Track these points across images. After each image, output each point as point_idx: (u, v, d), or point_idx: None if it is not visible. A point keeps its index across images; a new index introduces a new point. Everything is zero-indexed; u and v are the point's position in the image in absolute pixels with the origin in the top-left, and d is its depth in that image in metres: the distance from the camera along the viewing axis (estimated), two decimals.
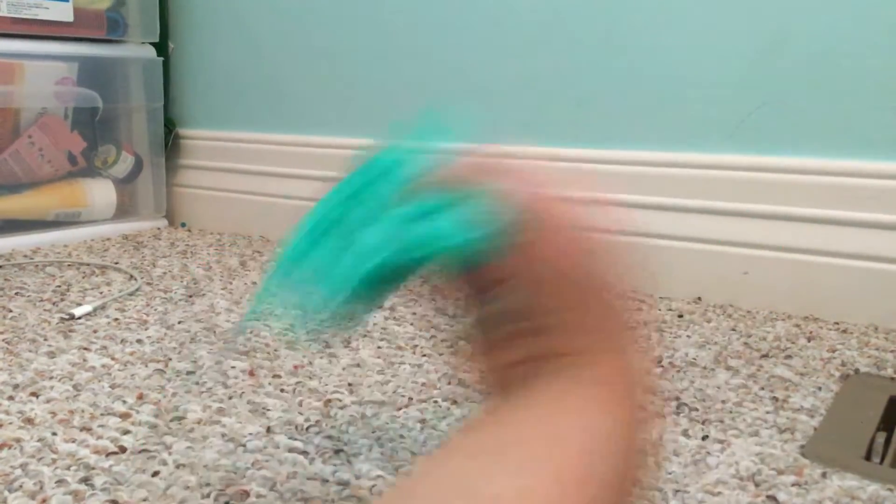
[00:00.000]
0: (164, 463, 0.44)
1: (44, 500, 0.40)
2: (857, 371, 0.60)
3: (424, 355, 0.63)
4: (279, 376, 0.58)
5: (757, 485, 0.42)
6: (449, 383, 0.57)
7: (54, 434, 0.48)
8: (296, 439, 0.47)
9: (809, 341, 0.67)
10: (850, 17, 0.72)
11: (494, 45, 0.92)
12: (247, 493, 0.41)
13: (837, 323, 0.73)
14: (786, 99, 0.76)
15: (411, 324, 0.71)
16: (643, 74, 0.83)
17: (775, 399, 0.54)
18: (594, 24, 0.85)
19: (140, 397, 0.53)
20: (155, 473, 0.43)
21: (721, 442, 0.47)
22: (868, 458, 0.46)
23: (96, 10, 1.10)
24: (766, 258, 0.77)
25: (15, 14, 1.02)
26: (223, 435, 0.48)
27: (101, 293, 0.81)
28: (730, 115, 0.78)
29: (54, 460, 0.44)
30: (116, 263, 0.95)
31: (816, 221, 0.74)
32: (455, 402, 0.53)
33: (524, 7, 0.89)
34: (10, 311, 0.74)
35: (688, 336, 0.68)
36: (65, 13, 1.06)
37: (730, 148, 0.79)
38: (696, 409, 0.52)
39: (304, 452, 0.45)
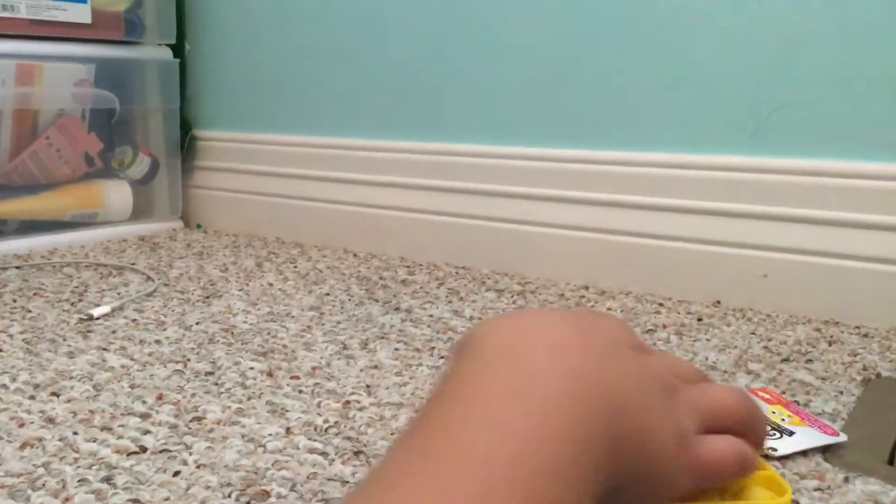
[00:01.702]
0: (185, 463, 0.44)
1: (67, 499, 0.40)
2: (878, 375, 0.60)
3: (442, 357, 0.63)
4: (297, 377, 0.58)
5: None
6: None
7: (75, 433, 0.48)
8: (315, 440, 0.47)
9: (830, 345, 0.67)
10: (869, 17, 0.71)
11: (509, 45, 0.92)
12: (267, 494, 0.41)
13: (858, 327, 0.72)
14: (805, 101, 0.75)
15: (428, 326, 0.71)
16: (661, 76, 0.82)
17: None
18: (612, 24, 0.85)
19: (160, 397, 0.54)
20: (176, 473, 0.43)
21: None
22: (891, 462, 0.46)
23: (114, 11, 1.11)
24: (786, 261, 0.76)
25: (34, 16, 1.02)
26: (243, 435, 0.48)
27: (118, 294, 0.82)
28: (749, 116, 0.78)
29: (76, 459, 0.44)
30: (133, 264, 0.96)
31: (836, 224, 0.74)
32: None
33: (537, 5, 0.89)
34: (30, 311, 0.75)
35: (707, 340, 0.68)
36: (83, 15, 1.07)
37: (749, 150, 0.78)
38: None
39: (324, 453, 0.45)
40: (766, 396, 0.52)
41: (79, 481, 0.42)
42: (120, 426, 0.49)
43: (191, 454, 0.45)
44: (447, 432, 0.26)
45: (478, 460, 0.24)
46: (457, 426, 0.26)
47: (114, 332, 0.69)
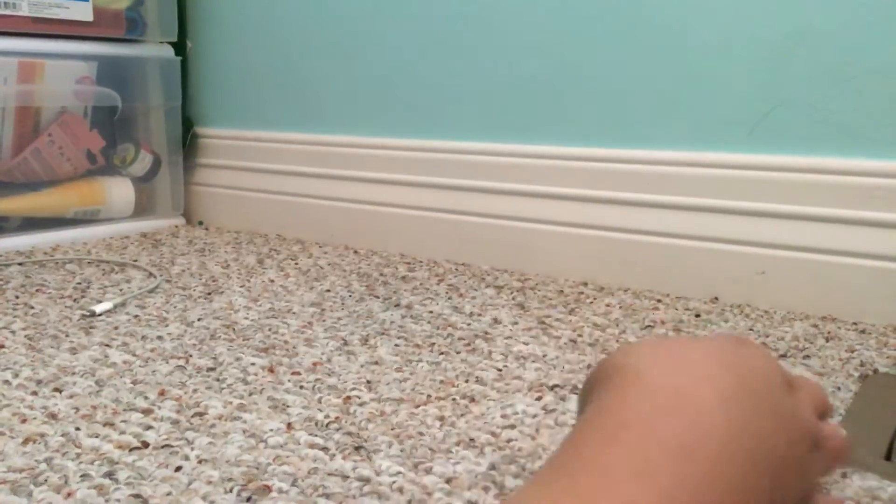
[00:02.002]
0: (187, 458, 0.44)
1: (69, 494, 0.40)
2: (876, 371, 0.60)
3: (442, 353, 0.63)
4: (298, 373, 0.58)
5: None
6: (466, 381, 0.57)
7: (78, 429, 0.48)
8: (316, 435, 0.47)
9: (828, 341, 0.67)
10: (870, 14, 0.71)
11: (509, 42, 0.92)
12: (268, 489, 0.41)
13: (856, 323, 0.72)
14: (804, 98, 0.75)
15: (428, 322, 0.72)
16: (660, 73, 0.83)
17: None
18: (611, 21, 0.85)
19: (161, 393, 0.54)
20: (178, 468, 0.43)
21: None
22: (888, 458, 0.46)
23: (116, 9, 1.11)
24: (784, 258, 0.77)
25: (36, 13, 1.03)
26: (244, 431, 0.48)
27: (120, 290, 0.82)
28: (748, 114, 0.78)
29: (78, 455, 0.45)
30: (135, 261, 0.96)
31: (834, 221, 0.74)
32: (473, 400, 0.53)
33: (538, 5, 0.89)
34: (32, 307, 0.75)
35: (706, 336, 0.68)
36: (85, 13, 1.07)
37: (748, 147, 0.79)
38: None
39: (325, 448, 0.46)
40: None
41: (81, 476, 0.42)
42: (122, 422, 0.49)
43: (192, 449, 0.46)
44: (607, 481, 0.25)
45: None
46: (617, 478, 0.25)
47: (116, 328, 0.69)
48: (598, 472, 0.25)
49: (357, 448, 0.46)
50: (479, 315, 0.74)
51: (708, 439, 0.26)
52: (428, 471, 0.43)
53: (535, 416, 0.51)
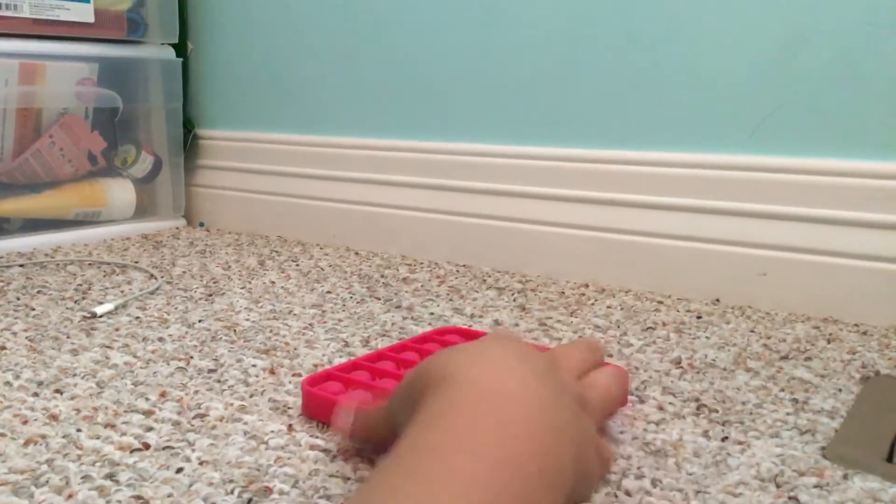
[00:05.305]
0: (188, 460, 0.44)
1: (70, 496, 0.40)
2: (877, 373, 0.60)
3: None
4: (299, 375, 0.58)
5: (778, 486, 0.42)
6: None
7: (79, 430, 0.48)
8: (317, 437, 0.47)
9: (829, 343, 0.67)
10: (871, 16, 0.71)
11: (510, 44, 0.92)
12: (269, 490, 0.41)
13: (857, 325, 0.72)
14: (805, 100, 0.75)
15: (429, 323, 0.72)
16: (661, 75, 0.83)
17: (795, 401, 0.54)
18: (611, 23, 0.85)
19: (162, 395, 0.54)
20: (179, 470, 0.43)
21: (741, 443, 0.47)
22: (890, 459, 0.46)
23: (117, 11, 1.11)
24: (785, 259, 0.76)
25: (37, 15, 1.03)
26: (245, 432, 0.48)
27: (121, 292, 0.82)
28: (749, 115, 0.78)
29: (79, 456, 0.45)
30: (136, 262, 0.96)
31: (836, 222, 0.74)
32: None
33: (540, 5, 0.89)
34: (33, 309, 0.75)
35: (707, 337, 0.68)
36: (86, 14, 1.07)
37: (749, 149, 0.79)
38: (716, 411, 0.52)
39: (326, 450, 0.46)
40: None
41: (82, 478, 0.42)
42: (123, 423, 0.49)
43: (193, 451, 0.46)
44: (436, 456, 0.29)
45: (464, 481, 0.28)
46: (445, 451, 0.30)
47: (117, 329, 0.69)
48: (434, 455, 0.30)
49: (358, 450, 0.46)
50: (480, 317, 0.74)
51: (522, 417, 0.32)
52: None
53: None
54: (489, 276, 0.91)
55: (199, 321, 0.72)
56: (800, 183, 0.76)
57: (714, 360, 0.62)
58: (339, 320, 0.73)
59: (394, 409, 0.40)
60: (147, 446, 0.46)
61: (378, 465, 0.31)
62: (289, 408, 0.52)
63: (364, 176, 1.07)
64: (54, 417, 0.50)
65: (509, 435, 0.31)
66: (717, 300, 0.80)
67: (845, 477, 0.43)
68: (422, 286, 0.86)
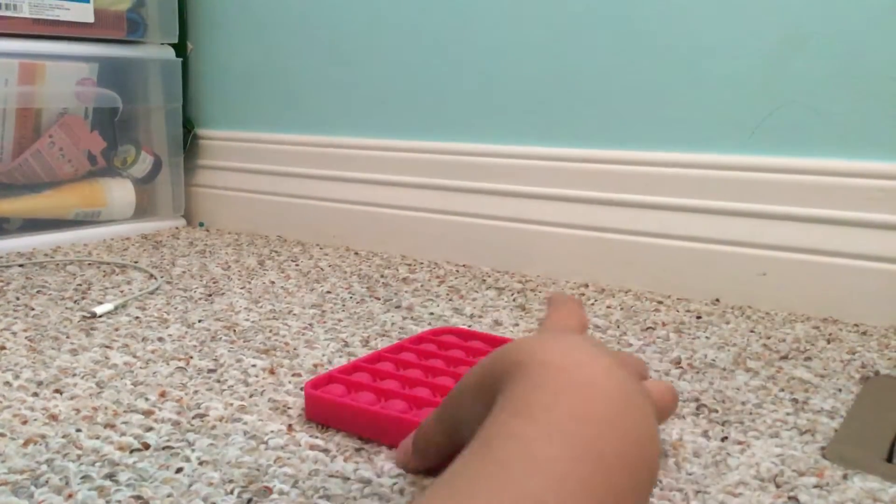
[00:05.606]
0: (188, 460, 0.44)
1: (70, 496, 0.40)
2: (877, 373, 0.60)
3: None
4: (299, 375, 0.58)
5: (778, 486, 0.42)
6: None
7: (78, 430, 0.48)
8: (317, 437, 0.47)
9: (829, 343, 0.67)
10: (872, 15, 0.71)
11: (509, 44, 0.92)
12: (269, 490, 0.41)
13: (857, 325, 0.72)
14: (806, 100, 0.75)
15: (429, 323, 0.72)
16: (661, 75, 0.83)
17: (795, 401, 0.54)
18: (610, 22, 0.85)
19: (162, 395, 0.54)
20: (178, 470, 0.43)
21: (741, 443, 0.47)
22: (890, 459, 0.46)
23: (116, 11, 1.11)
24: (785, 259, 0.76)
25: (36, 15, 1.03)
26: (245, 432, 0.48)
27: (121, 292, 0.82)
28: (749, 115, 0.78)
29: (79, 456, 0.45)
30: (136, 262, 0.96)
31: (836, 223, 0.74)
32: None
33: (537, 5, 0.89)
34: (33, 308, 0.75)
35: (707, 337, 0.68)
36: (85, 14, 1.07)
37: (749, 149, 0.79)
38: (716, 411, 0.52)
39: (326, 450, 0.46)
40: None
41: (82, 478, 0.42)
42: (123, 423, 0.49)
43: (193, 451, 0.45)
44: (523, 446, 0.28)
45: (553, 475, 0.27)
46: (533, 442, 0.28)
47: (117, 329, 0.69)
48: (516, 443, 0.28)
49: (358, 450, 0.46)
50: (480, 317, 0.74)
51: (615, 412, 0.30)
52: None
53: None
54: (489, 276, 0.91)
55: (199, 321, 0.72)
56: (800, 183, 0.76)
57: (714, 360, 0.62)
58: (339, 320, 0.73)
59: (451, 412, 0.39)
60: (147, 446, 0.46)
61: (463, 452, 0.30)
62: (288, 408, 0.52)
63: (364, 176, 1.07)
64: (54, 417, 0.50)
65: (604, 428, 0.29)
66: (717, 300, 0.80)
67: (845, 477, 0.43)
68: (422, 286, 0.86)
